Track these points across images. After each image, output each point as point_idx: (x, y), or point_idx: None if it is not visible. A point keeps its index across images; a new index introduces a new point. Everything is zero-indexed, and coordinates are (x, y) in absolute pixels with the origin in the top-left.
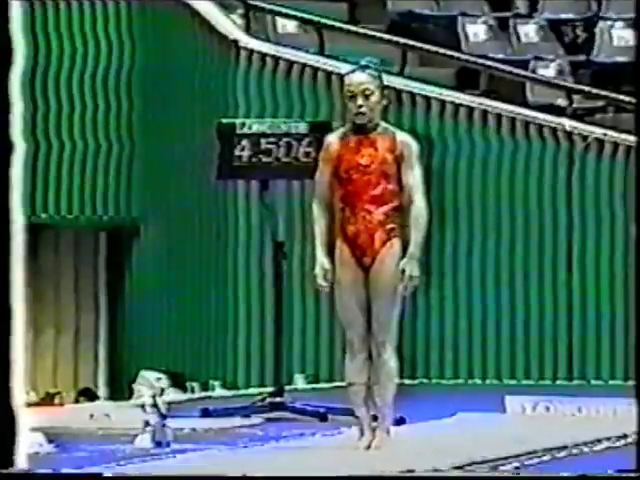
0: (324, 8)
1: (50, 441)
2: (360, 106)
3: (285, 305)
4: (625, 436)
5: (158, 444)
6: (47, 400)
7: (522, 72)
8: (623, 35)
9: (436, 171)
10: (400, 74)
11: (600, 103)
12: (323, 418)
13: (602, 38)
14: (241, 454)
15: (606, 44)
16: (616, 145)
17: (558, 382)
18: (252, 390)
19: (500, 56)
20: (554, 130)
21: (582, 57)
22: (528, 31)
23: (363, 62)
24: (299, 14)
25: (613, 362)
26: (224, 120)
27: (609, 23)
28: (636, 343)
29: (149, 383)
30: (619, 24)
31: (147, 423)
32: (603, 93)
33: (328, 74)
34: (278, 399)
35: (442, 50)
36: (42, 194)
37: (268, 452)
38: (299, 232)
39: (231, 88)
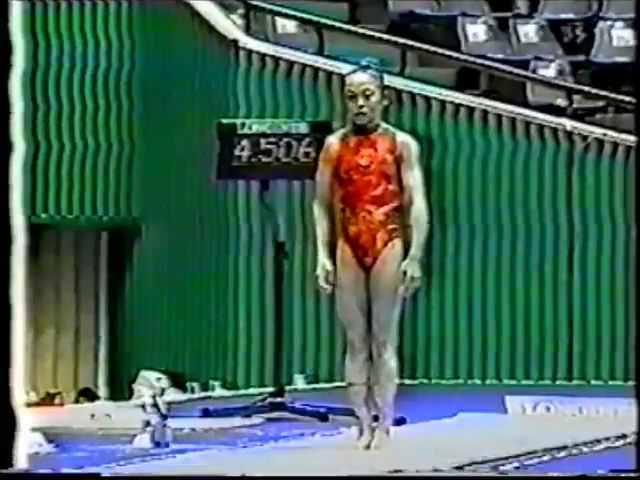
0: (324, 8)
1: (50, 441)
2: (361, 106)
3: (285, 305)
4: (625, 436)
5: (157, 444)
6: (47, 400)
7: (522, 72)
8: (623, 35)
9: (436, 171)
10: (400, 74)
11: (600, 103)
12: (323, 418)
13: (602, 38)
14: (241, 454)
15: (606, 44)
16: (616, 145)
17: (558, 382)
18: (252, 390)
19: (500, 56)
20: (554, 130)
21: (582, 57)
22: (528, 31)
23: (364, 62)
24: (299, 14)
25: (613, 362)
26: (224, 120)
27: (609, 23)
28: (636, 343)
29: (149, 383)
30: (619, 24)
31: (147, 423)
32: (603, 93)
33: (328, 74)
34: (278, 399)
35: (442, 50)
36: (42, 194)
37: (268, 452)
38: (299, 232)
39: (231, 88)
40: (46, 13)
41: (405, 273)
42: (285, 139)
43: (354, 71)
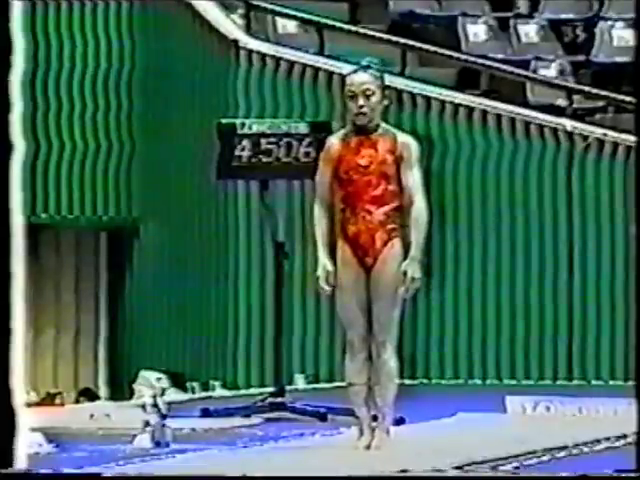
0: (324, 8)
1: (50, 441)
2: (361, 106)
3: (285, 305)
4: (625, 436)
5: (157, 444)
6: (47, 400)
7: (522, 72)
8: (623, 35)
9: (436, 171)
10: (401, 74)
11: (600, 103)
12: (323, 418)
13: (602, 38)
14: (241, 454)
15: (606, 44)
16: (616, 145)
17: (558, 382)
18: (252, 390)
19: (501, 56)
20: (554, 130)
21: (582, 57)
22: (528, 31)
23: (364, 62)
24: (300, 14)
25: (613, 362)
26: (224, 120)
27: (609, 23)
28: (636, 343)
29: (149, 383)
30: (619, 24)
31: (147, 423)
32: (603, 93)
33: (329, 74)
34: (279, 399)
35: (442, 50)
36: (42, 194)
37: (268, 452)
38: (299, 232)
39: (231, 88)
40: (46, 13)
41: (405, 274)
42: (285, 139)
43: (355, 71)
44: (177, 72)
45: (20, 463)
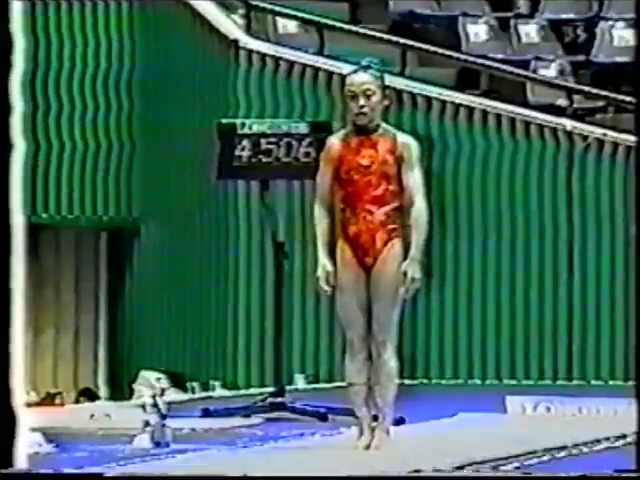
0: (325, 8)
1: (50, 441)
2: (362, 106)
3: (285, 305)
4: (625, 436)
5: (157, 444)
6: (47, 400)
7: (522, 72)
8: (624, 35)
9: (436, 171)
10: (401, 74)
11: (600, 103)
12: (323, 418)
13: (602, 38)
14: (241, 454)
15: (606, 44)
16: (616, 145)
17: (558, 382)
18: (252, 390)
19: (501, 56)
20: (554, 130)
21: (582, 57)
22: (529, 31)
23: (364, 62)
24: (300, 14)
25: (613, 362)
26: (224, 120)
27: (610, 23)
28: (636, 343)
29: (149, 383)
30: (620, 24)
31: (147, 423)
32: (603, 93)
33: (329, 74)
34: (279, 399)
35: (443, 50)
36: (42, 194)
37: (268, 452)
38: (299, 232)
39: (231, 88)
40: (46, 13)
41: (405, 274)
42: (285, 139)
43: (355, 71)
44: (177, 72)
45: (20, 463)
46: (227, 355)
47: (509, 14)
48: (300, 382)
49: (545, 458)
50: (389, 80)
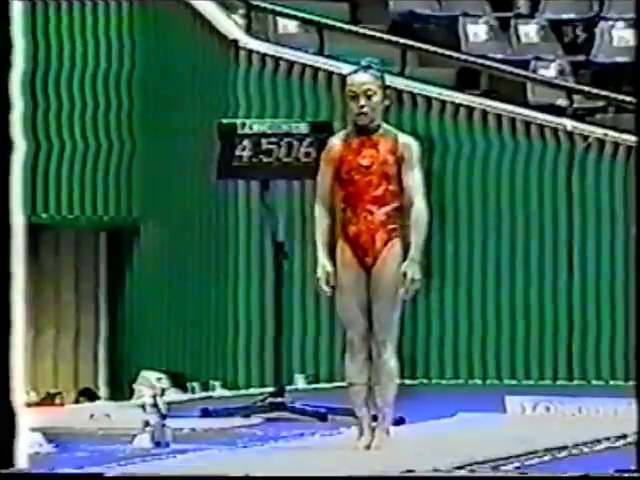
0: (325, 8)
1: (50, 441)
2: (362, 106)
3: (285, 305)
4: (625, 436)
5: (157, 444)
6: (47, 400)
7: (523, 72)
8: (624, 35)
9: (436, 171)
10: (401, 74)
11: (600, 103)
12: (323, 418)
13: (602, 38)
14: (241, 454)
15: (606, 44)
16: (616, 145)
17: (558, 382)
18: (252, 390)
19: (501, 56)
20: (555, 130)
21: (582, 57)
22: (529, 31)
23: (364, 62)
24: (300, 14)
25: (613, 362)
26: (225, 120)
27: (610, 23)
28: (636, 343)
29: (149, 383)
30: (620, 24)
31: (147, 423)
32: (603, 93)
33: (329, 74)
34: (279, 399)
35: (443, 50)
36: (42, 194)
37: (268, 452)
38: (299, 232)
39: (231, 88)
40: (46, 13)
41: (405, 275)
42: (286, 139)
43: (355, 71)
44: (177, 72)
45: (20, 463)
46: (227, 355)
47: (509, 14)
48: (300, 382)
49: (545, 458)
50: (389, 80)
